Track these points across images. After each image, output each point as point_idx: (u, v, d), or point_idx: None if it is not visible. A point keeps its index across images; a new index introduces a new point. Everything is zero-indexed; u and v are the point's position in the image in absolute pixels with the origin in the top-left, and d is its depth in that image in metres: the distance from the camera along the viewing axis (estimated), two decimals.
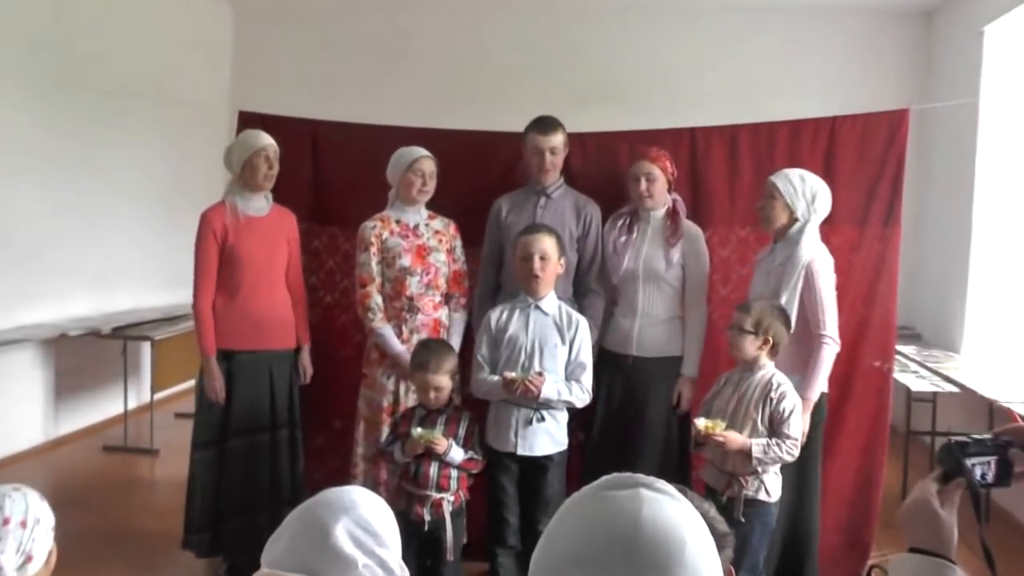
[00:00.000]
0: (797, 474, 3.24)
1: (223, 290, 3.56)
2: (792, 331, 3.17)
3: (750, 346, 3.07)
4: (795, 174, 3.34)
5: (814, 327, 3.26)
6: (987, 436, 1.26)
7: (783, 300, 3.24)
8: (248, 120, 4.01)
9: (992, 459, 1.23)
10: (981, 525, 1.21)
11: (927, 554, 1.15)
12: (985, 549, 1.20)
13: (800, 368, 3.26)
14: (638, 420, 3.52)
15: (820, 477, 3.43)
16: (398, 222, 3.62)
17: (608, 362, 3.57)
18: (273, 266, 3.63)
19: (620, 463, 3.22)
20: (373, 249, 3.57)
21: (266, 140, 3.58)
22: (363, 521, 1.31)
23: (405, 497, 3.14)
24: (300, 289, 3.77)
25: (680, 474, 3.33)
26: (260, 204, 3.62)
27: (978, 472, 1.23)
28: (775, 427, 3.01)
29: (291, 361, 3.71)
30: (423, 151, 3.60)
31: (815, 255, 3.27)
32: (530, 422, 3.22)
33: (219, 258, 3.54)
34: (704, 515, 0.93)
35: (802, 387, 3.21)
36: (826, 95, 6.20)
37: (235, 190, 3.59)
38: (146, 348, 5.90)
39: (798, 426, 3.01)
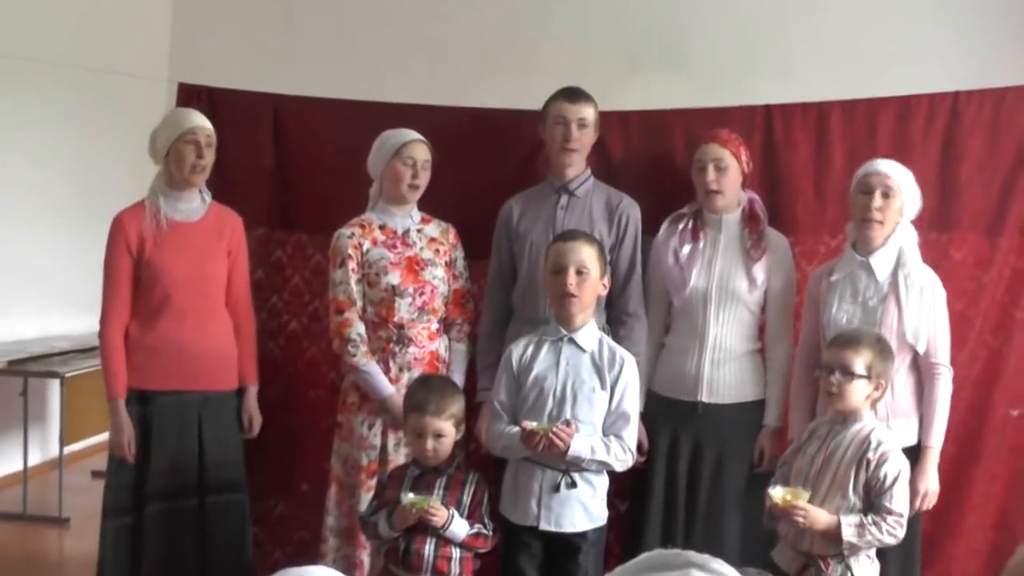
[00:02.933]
0: (897, 558, 3.22)
1: (140, 314, 3.56)
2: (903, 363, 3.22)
3: (859, 394, 3.04)
4: (896, 164, 3.38)
5: (928, 355, 3.30)
6: None
7: (908, 328, 3.26)
8: (190, 95, 4.04)
9: None
10: None
11: None
12: None
13: (915, 410, 3.30)
14: (714, 485, 3.51)
15: (920, 556, 3.41)
16: (382, 228, 3.63)
17: (667, 411, 3.56)
18: (206, 284, 3.62)
19: (691, 544, 3.19)
20: (352, 264, 3.57)
21: (196, 120, 3.58)
22: None
23: None
24: (247, 314, 3.75)
25: (768, 557, 3.24)
26: (191, 205, 3.63)
27: None
28: (873, 499, 2.98)
29: (230, 406, 3.69)
30: (414, 134, 3.61)
31: (927, 268, 3.34)
32: (557, 488, 3.20)
33: (134, 274, 3.54)
34: None
35: (924, 432, 3.26)
36: (947, 66, 6.14)
37: (159, 187, 3.60)
38: (54, 388, 5.88)
39: (903, 498, 2.98)
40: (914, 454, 3.23)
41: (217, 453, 3.62)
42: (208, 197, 3.67)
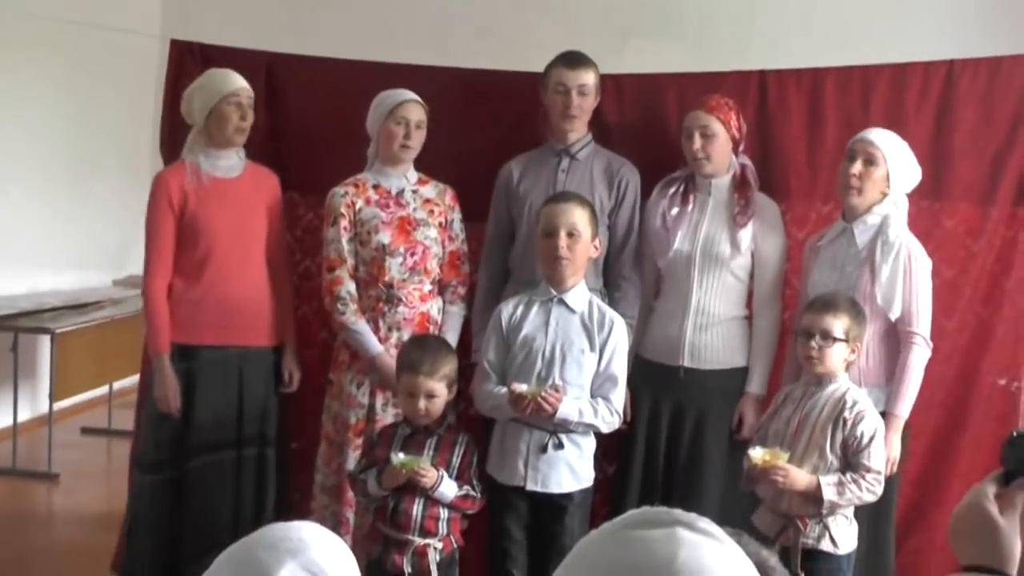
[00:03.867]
0: (867, 520, 3.24)
1: (183, 270, 3.63)
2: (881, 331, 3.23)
3: (838, 358, 3.08)
4: (890, 134, 3.37)
5: (904, 323, 3.30)
6: None
7: (879, 294, 3.27)
8: (183, 51, 4.04)
9: None
10: None
11: (982, 572, 1.17)
12: None
13: (887, 380, 3.31)
14: (693, 451, 3.52)
15: (894, 524, 3.45)
16: (376, 187, 3.63)
17: (650, 375, 3.57)
18: (247, 240, 3.68)
19: (670, 505, 3.20)
20: (344, 223, 3.59)
21: (238, 82, 3.64)
22: (315, 567, 1.29)
23: (380, 541, 3.15)
24: (285, 271, 3.82)
25: (748, 521, 3.28)
26: (230, 163, 3.69)
27: None
28: (850, 457, 3.02)
29: (267, 362, 3.75)
30: (409, 94, 3.61)
31: (910, 236, 3.34)
32: (544, 449, 3.22)
33: (177, 230, 3.61)
34: (761, 565, 0.93)
35: (891, 399, 3.27)
36: (946, 39, 6.13)
37: (197, 146, 3.65)
38: (44, 343, 5.88)
39: (880, 455, 3.03)
40: None
41: (255, 407, 3.70)
42: (244, 155, 3.73)
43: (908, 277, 3.28)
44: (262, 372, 3.72)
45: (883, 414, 3.23)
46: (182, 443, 3.61)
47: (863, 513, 3.15)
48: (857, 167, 3.32)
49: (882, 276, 3.27)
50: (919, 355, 3.29)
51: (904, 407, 3.27)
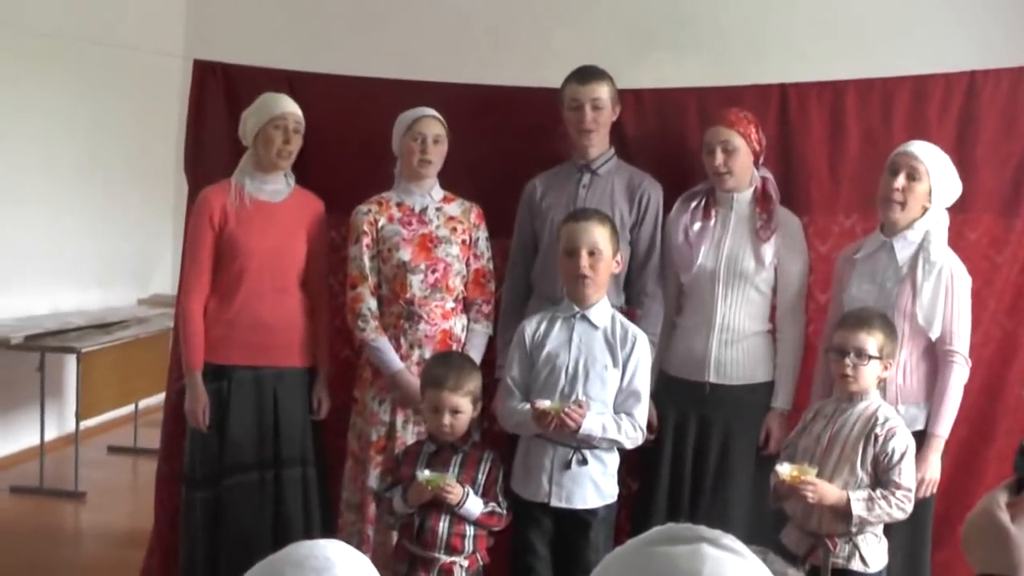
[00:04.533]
0: (903, 537, 3.22)
1: (219, 289, 3.67)
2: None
3: (872, 375, 3.07)
4: (932, 147, 3.35)
5: (943, 342, 3.28)
6: None
7: (920, 313, 3.25)
8: (205, 71, 4.08)
9: None
10: None
11: None
12: None
13: (925, 397, 3.29)
14: (720, 467, 3.51)
15: (930, 542, 3.41)
16: (400, 205, 3.66)
17: (675, 391, 3.57)
18: (284, 263, 3.71)
19: (695, 522, 3.20)
20: (366, 240, 3.61)
21: (287, 106, 3.69)
22: None
23: (406, 560, 3.15)
24: (322, 295, 3.84)
25: (776, 540, 3.25)
26: (276, 186, 3.74)
27: None
28: (880, 474, 3.00)
29: (302, 383, 3.77)
30: (427, 110, 3.63)
31: (951, 254, 3.32)
32: (568, 465, 3.22)
33: (216, 249, 3.65)
34: None
35: (932, 419, 3.25)
36: (964, 45, 6.12)
37: (247, 168, 3.71)
38: (70, 363, 5.92)
39: (911, 473, 3.01)
40: (919, 441, 3.21)
41: (293, 428, 3.71)
42: (292, 181, 3.77)
43: (949, 296, 3.26)
44: (297, 393, 3.74)
45: (923, 432, 3.22)
46: (219, 462, 3.64)
47: (899, 531, 3.14)
48: (900, 181, 3.29)
49: (924, 295, 3.25)
50: (959, 374, 3.27)
51: (945, 426, 3.25)
